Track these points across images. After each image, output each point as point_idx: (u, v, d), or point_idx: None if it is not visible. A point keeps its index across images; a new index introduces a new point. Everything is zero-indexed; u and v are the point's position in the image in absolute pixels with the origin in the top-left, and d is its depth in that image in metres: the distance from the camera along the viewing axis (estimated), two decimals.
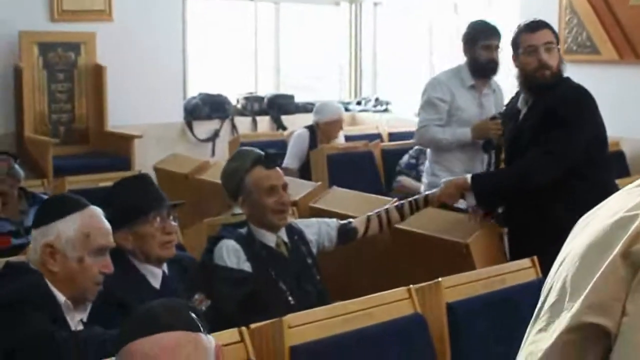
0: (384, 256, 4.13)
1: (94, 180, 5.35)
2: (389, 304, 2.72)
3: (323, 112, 7.20)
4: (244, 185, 3.55)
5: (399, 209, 3.89)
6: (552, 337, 1.21)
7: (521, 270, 3.14)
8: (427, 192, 3.96)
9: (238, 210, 3.76)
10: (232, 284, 3.40)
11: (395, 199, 4.00)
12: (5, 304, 2.55)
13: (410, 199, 3.92)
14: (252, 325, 2.51)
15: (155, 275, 3.20)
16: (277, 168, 3.60)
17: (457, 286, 2.91)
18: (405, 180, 7.04)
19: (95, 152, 7.93)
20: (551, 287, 1.27)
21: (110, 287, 3.00)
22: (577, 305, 1.19)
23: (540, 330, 1.25)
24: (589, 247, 1.22)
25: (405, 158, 7.16)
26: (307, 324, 2.49)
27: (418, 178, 6.93)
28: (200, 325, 1.76)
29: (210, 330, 3.32)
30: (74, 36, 7.89)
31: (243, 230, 3.59)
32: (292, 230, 3.68)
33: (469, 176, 3.81)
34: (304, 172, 6.91)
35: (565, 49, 7.50)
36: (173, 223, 3.24)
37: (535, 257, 3.19)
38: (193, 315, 1.78)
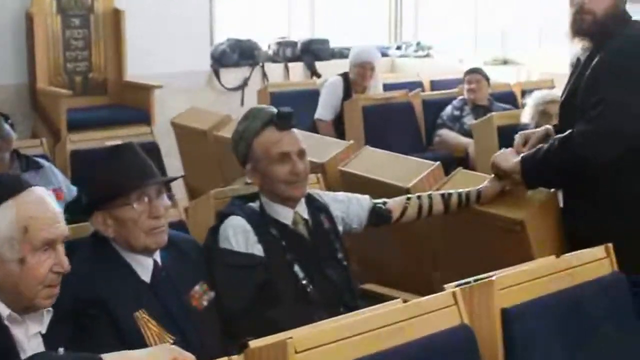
0: (422, 234, 3.53)
1: (101, 138, 4.80)
2: (429, 314, 2.13)
3: (351, 57, 6.63)
4: (253, 151, 2.98)
5: (445, 199, 3.27)
6: None
7: (594, 262, 2.53)
8: (480, 187, 3.33)
9: None
10: (239, 272, 2.84)
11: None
12: None
13: (460, 190, 3.31)
14: (252, 344, 1.94)
15: (144, 266, 2.64)
16: (294, 130, 3.01)
17: (514, 286, 2.30)
18: (447, 134, 6.46)
19: (113, 105, 7.44)
20: None
21: (88, 283, 2.49)
22: None
23: None
24: None
25: (448, 109, 6.58)
26: (320, 347, 1.90)
27: (462, 132, 6.35)
28: None
29: (215, 327, 2.86)
30: None
31: (255, 205, 3.03)
32: (314, 204, 3.11)
33: (518, 159, 3.20)
34: (339, 124, 6.39)
35: None
36: (166, 202, 2.67)
37: (610, 245, 2.58)
38: None
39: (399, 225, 3.29)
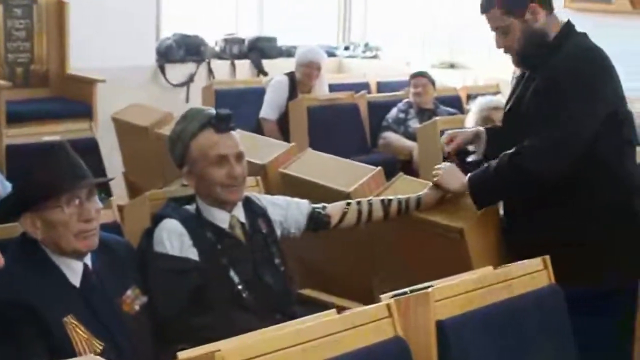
0: (362, 238, 3.50)
1: (39, 134, 4.69)
2: (363, 326, 2.09)
3: (297, 56, 6.59)
4: (190, 153, 2.91)
5: (385, 206, 3.24)
6: None
7: (531, 273, 2.51)
8: (420, 194, 3.30)
9: None
10: (173, 277, 2.78)
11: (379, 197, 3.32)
12: None
13: (400, 197, 3.28)
14: (180, 355, 1.88)
15: (74, 270, 2.56)
16: (232, 133, 2.95)
17: (451, 298, 2.27)
18: (392, 137, 6.43)
19: (55, 98, 7.25)
20: None
21: (15, 285, 2.42)
22: None
23: None
24: None
25: (394, 112, 6.56)
26: None
27: (407, 134, 6.34)
28: None
29: (147, 333, 2.79)
30: None
31: (191, 207, 2.96)
32: (252, 208, 3.05)
33: (465, 180, 3.17)
34: (284, 123, 6.33)
35: None
36: (98, 205, 2.59)
37: (547, 257, 2.56)
38: None
39: (339, 229, 3.25)
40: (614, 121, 3.06)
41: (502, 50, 3.18)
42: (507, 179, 3.05)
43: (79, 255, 2.55)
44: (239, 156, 2.93)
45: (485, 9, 3.16)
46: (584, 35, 3.17)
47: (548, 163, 2.96)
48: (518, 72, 3.30)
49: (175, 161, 2.99)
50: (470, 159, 3.47)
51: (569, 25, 3.16)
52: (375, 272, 3.60)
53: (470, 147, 3.44)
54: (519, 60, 3.17)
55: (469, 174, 3.16)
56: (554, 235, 2.99)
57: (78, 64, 7.28)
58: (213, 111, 2.95)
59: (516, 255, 2.93)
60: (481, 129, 3.43)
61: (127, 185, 5.75)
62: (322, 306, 3.17)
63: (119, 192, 5.66)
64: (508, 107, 3.28)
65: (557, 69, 3.02)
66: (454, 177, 3.21)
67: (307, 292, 3.35)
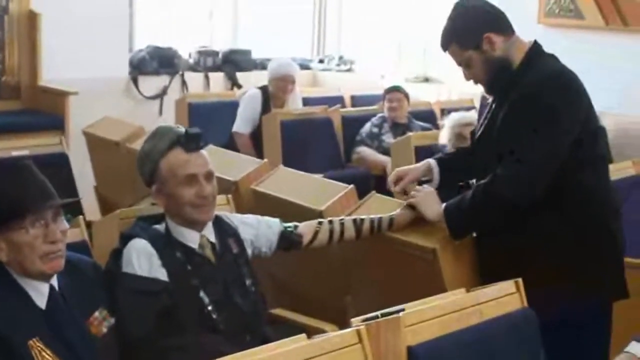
0: (334, 257, 3.47)
1: (8, 148, 4.62)
2: (332, 353, 2.05)
3: (271, 70, 6.55)
4: (159, 172, 2.87)
5: (357, 225, 3.20)
6: None
7: (504, 297, 2.49)
8: (393, 214, 3.27)
9: None
10: (142, 298, 2.73)
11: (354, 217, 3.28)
12: None
13: (373, 217, 3.24)
14: None
15: (40, 292, 2.51)
16: (202, 152, 2.91)
17: (421, 323, 2.24)
18: (365, 151, 6.43)
19: (27, 110, 7.18)
20: None
21: None
22: None
23: None
24: None
25: (367, 127, 6.55)
26: None
27: (381, 149, 6.33)
28: None
29: (115, 355, 2.74)
30: None
31: (161, 227, 2.92)
32: (223, 227, 3.01)
33: (441, 209, 3.13)
34: (257, 138, 6.30)
35: (546, 11, 6.87)
36: (64, 226, 2.54)
37: (520, 280, 2.54)
38: None
39: (312, 248, 3.22)
40: (585, 140, 3.04)
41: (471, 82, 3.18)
42: (484, 208, 3.02)
43: (44, 277, 2.50)
44: (209, 175, 2.89)
45: (444, 47, 3.15)
46: (551, 56, 3.16)
47: (523, 189, 2.94)
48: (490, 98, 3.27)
49: (145, 180, 2.95)
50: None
51: (535, 47, 3.13)
52: (348, 291, 3.57)
53: (424, 178, 3.41)
54: (488, 89, 3.16)
55: (444, 204, 3.12)
56: (528, 256, 2.97)
57: (50, 75, 7.21)
58: (182, 129, 2.90)
59: (490, 275, 2.92)
60: (432, 161, 3.40)
61: (99, 200, 5.69)
62: (293, 327, 3.15)
63: (91, 206, 5.62)
64: (478, 134, 3.26)
65: (522, 96, 2.99)
66: (431, 205, 3.16)
67: (278, 311, 3.31)
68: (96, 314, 2.63)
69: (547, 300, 2.72)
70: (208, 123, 6.59)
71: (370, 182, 5.95)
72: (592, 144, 3.08)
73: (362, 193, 3.62)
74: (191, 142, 2.86)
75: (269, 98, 6.50)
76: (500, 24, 3.11)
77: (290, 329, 3.03)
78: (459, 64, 3.13)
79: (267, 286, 3.79)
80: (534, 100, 2.96)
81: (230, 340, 2.77)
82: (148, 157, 2.89)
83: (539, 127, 2.93)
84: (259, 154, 5.94)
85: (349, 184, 3.73)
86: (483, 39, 3.06)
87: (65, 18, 7.33)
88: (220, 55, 8.83)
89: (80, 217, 3.10)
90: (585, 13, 6.83)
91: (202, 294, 2.82)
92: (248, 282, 2.96)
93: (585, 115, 3.06)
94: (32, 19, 7.15)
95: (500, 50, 3.07)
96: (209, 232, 2.94)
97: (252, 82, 7.72)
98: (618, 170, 4.26)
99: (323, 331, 2.94)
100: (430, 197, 3.19)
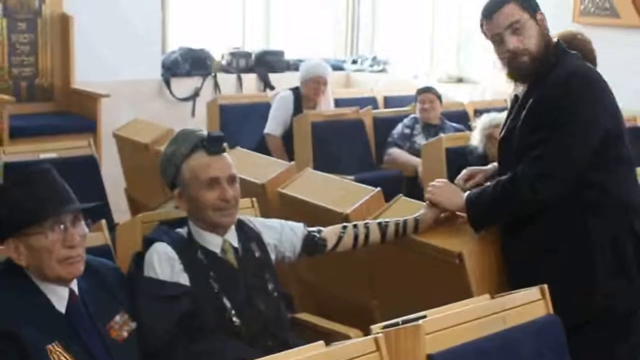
0: (359, 261, 3.43)
1: (36, 151, 4.63)
2: None
3: (303, 71, 6.51)
4: (181, 175, 2.85)
5: (382, 228, 3.16)
6: None
7: (528, 304, 2.43)
8: (417, 215, 3.23)
9: None
10: (163, 302, 2.71)
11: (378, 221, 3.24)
12: None
13: (398, 219, 3.20)
14: None
15: (60, 296, 2.51)
16: (224, 155, 2.88)
17: (442, 330, 2.19)
18: (397, 153, 6.35)
19: (60, 112, 7.23)
20: None
21: None
22: None
23: None
24: None
25: (399, 128, 6.48)
26: None
27: (412, 151, 6.27)
28: None
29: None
30: None
31: (183, 231, 2.90)
32: (246, 232, 2.98)
33: (463, 199, 3.09)
34: (289, 139, 6.26)
35: (581, 10, 6.77)
36: (83, 231, 2.53)
37: (545, 286, 2.49)
38: None
39: (336, 252, 3.18)
40: (609, 142, 2.98)
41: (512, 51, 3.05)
42: (504, 205, 2.98)
43: (63, 281, 2.49)
44: (232, 179, 2.86)
45: (498, 5, 3.02)
46: (575, 55, 3.10)
47: (543, 191, 2.89)
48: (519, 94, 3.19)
49: (167, 183, 2.94)
50: None
51: (560, 44, 3.09)
52: (373, 294, 3.53)
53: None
54: (529, 67, 3.05)
55: (466, 194, 3.09)
56: (552, 262, 2.92)
57: (83, 77, 7.26)
58: (205, 133, 2.88)
59: (518, 279, 2.88)
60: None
61: (129, 202, 5.69)
62: (318, 332, 3.11)
63: (123, 207, 5.63)
64: (502, 134, 3.20)
65: (548, 91, 2.94)
66: (451, 196, 3.14)
67: (302, 316, 3.27)
68: (117, 318, 2.62)
69: (573, 303, 2.69)
70: (240, 125, 6.60)
71: (402, 184, 5.91)
72: (616, 144, 3.01)
73: (393, 195, 3.56)
74: (213, 145, 2.84)
75: (301, 99, 6.45)
76: None
77: (312, 334, 2.99)
78: (508, 26, 2.99)
79: (297, 290, 3.78)
80: (559, 98, 2.91)
81: (251, 345, 2.75)
82: (170, 161, 2.87)
83: (561, 125, 2.88)
84: (291, 156, 5.92)
85: (380, 185, 3.68)
86: (539, 12, 3.01)
87: (98, 20, 7.39)
88: (252, 57, 8.83)
89: (103, 220, 3.09)
90: (620, 12, 6.73)
91: (224, 298, 2.80)
92: (270, 286, 2.93)
93: (611, 115, 2.99)
94: (64, 21, 7.21)
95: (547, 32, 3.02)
96: (232, 237, 2.91)
97: (284, 83, 7.68)
98: None
99: (347, 337, 2.90)
100: (447, 189, 3.17)
